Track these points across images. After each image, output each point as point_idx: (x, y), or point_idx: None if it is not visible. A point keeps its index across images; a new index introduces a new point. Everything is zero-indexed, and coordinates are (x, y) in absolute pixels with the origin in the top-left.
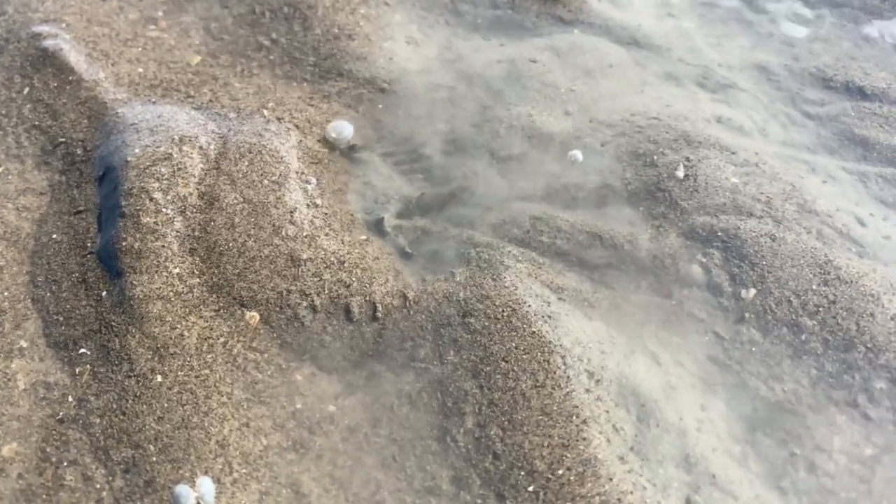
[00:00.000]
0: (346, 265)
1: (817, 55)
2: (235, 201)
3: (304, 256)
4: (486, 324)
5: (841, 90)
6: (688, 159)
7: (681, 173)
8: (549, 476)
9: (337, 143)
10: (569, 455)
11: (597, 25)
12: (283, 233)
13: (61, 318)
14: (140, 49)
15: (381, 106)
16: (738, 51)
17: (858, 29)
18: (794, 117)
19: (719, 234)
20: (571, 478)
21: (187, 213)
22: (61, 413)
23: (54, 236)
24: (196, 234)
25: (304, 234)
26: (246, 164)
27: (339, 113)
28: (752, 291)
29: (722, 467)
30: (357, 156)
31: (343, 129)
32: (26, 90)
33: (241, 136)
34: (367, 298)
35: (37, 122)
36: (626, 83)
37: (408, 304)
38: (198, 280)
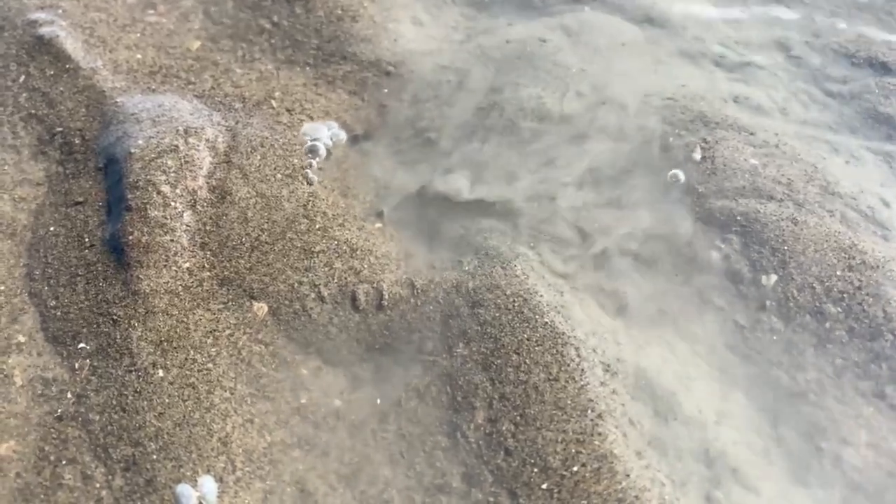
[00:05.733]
0: (357, 253)
1: (839, 31)
2: (248, 195)
3: (318, 249)
4: (497, 314)
5: (864, 67)
6: (705, 141)
7: (698, 155)
8: (564, 473)
9: (316, 147)
10: (584, 451)
11: (609, 3)
12: (297, 226)
13: (59, 313)
14: (138, 35)
15: (386, 90)
16: (757, 27)
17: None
18: (816, 96)
19: (738, 218)
20: (587, 474)
21: (197, 207)
22: (60, 410)
23: (52, 228)
24: (207, 228)
25: (317, 226)
26: (258, 157)
27: (347, 102)
28: (774, 278)
29: (743, 462)
30: (361, 145)
31: (317, 131)
32: (22, 78)
33: (251, 130)
34: (375, 286)
35: (33, 111)
36: (639, 62)
37: (415, 292)
38: (208, 274)
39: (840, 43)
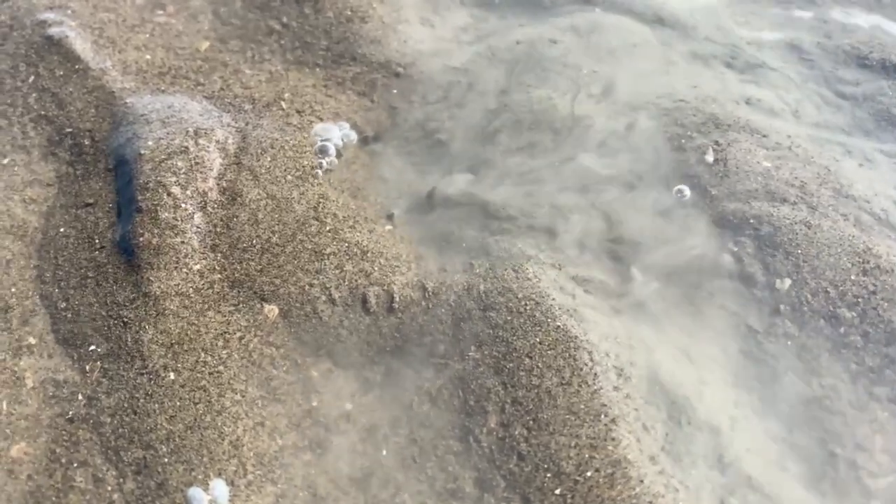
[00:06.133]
0: (368, 255)
1: (851, 32)
2: (259, 197)
3: (328, 251)
4: (509, 318)
5: (877, 68)
6: (717, 143)
7: (710, 158)
8: (577, 478)
9: (326, 148)
10: (597, 456)
11: (619, 3)
12: (307, 228)
13: (70, 315)
14: (147, 35)
15: (395, 91)
16: (768, 28)
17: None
18: (828, 97)
19: (751, 221)
20: (600, 480)
21: (208, 208)
22: (71, 412)
23: (62, 230)
24: (218, 229)
25: (328, 228)
26: (269, 159)
27: (357, 104)
28: (787, 282)
29: (758, 468)
30: (371, 147)
31: (328, 131)
32: (32, 79)
33: (261, 131)
34: (385, 288)
35: (43, 112)
36: (650, 64)
37: (426, 295)
38: (219, 276)
39: (852, 44)
